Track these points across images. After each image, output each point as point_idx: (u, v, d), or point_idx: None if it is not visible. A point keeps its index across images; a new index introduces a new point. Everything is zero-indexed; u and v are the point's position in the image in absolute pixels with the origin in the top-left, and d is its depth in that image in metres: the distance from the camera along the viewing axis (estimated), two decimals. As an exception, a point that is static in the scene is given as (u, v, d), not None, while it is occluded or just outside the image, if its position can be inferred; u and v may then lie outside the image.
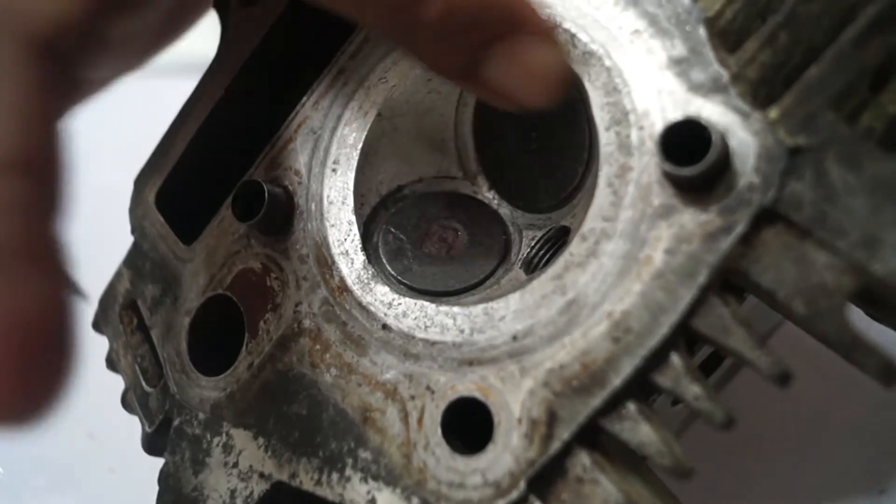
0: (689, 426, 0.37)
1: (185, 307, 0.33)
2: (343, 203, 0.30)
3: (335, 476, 0.27)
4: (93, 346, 0.40)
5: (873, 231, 0.21)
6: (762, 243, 0.22)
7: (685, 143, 0.23)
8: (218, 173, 0.34)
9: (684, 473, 0.23)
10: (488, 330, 0.26)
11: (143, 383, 0.35)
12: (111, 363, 0.37)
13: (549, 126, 0.29)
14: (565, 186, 0.29)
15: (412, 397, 0.26)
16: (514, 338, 0.25)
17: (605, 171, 0.25)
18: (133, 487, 0.48)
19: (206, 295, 0.33)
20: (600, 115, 0.26)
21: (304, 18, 0.33)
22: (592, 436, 0.24)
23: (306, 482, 0.28)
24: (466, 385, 0.25)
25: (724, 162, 0.23)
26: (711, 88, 0.24)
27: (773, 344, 0.34)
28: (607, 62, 0.26)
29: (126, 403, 0.36)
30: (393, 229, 0.31)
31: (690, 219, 0.23)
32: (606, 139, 0.25)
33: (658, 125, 0.24)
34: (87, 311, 0.39)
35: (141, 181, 0.37)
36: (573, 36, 0.27)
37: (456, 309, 0.27)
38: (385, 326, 0.28)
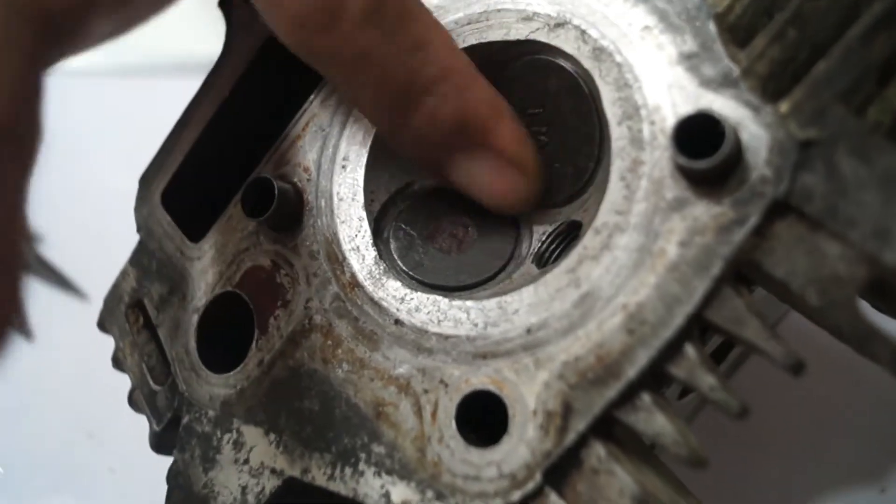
0: (692, 421, 0.37)
1: (193, 305, 0.33)
2: (353, 199, 0.30)
3: (348, 471, 0.27)
4: (94, 347, 0.40)
5: (884, 222, 0.21)
6: (775, 235, 0.23)
7: (698, 136, 0.23)
8: (224, 171, 0.34)
9: (700, 463, 0.23)
10: (502, 323, 0.26)
11: (151, 382, 0.35)
12: (117, 362, 0.37)
13: (559, 122, 0.29)
14: (576, 181, 0.29)
15: (426, 391, 0.26)
16: (529, 331, 0.25)
17: (618, 166, 0.25)
18: (133, 487, 0.48)
19: (214, 292, 0.33)
20: (612, 110, 0.26)
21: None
22: (607, 427, 0.24)
23: (319, 477, 0.28)
24: (481, 378, 0.26)
25: (738, 155, 0.23)
26: (722, 83, 0.24)
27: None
28: (618, 58, 0.26)
29: (133, 402, 0.36)
30: (403, 225, 0.31)
31: (704, 211, 0.23)
32: (618, 134, 0.26)
33: (669, 120, 0.25)
34: (91, 311, 0.39)
35: (146, 180, 0.37)
36: (583, 32, 0.27)
37: (469, 303, 0.27)
38: (398, 321, 0.28)
